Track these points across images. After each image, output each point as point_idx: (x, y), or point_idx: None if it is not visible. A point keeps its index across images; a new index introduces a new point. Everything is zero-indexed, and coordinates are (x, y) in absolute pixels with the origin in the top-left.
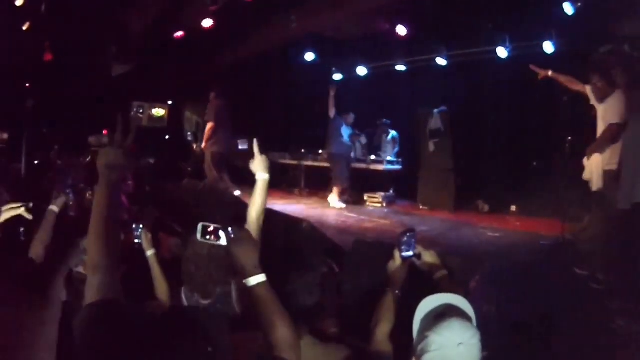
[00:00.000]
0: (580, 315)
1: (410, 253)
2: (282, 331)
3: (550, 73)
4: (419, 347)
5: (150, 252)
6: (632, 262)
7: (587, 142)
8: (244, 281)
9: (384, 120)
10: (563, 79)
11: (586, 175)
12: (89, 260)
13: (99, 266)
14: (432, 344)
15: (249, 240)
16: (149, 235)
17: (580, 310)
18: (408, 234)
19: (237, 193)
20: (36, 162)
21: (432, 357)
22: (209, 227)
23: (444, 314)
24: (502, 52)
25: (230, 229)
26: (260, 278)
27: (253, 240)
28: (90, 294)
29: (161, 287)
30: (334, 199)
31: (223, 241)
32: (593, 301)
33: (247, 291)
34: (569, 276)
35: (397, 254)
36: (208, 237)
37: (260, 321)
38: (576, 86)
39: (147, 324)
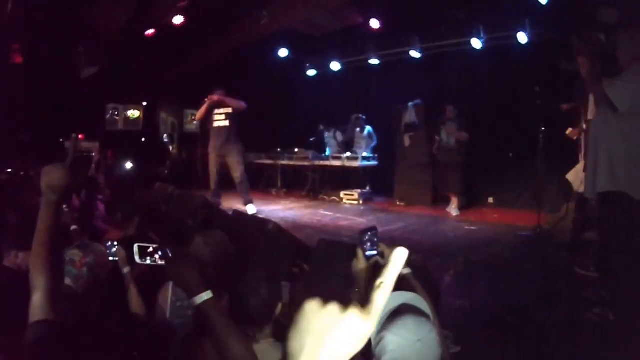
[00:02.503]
0: (556, 306)
1: (374, 252)
2: (235, 352)
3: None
4: (377, 349)
5: (126, 270)
6: (604, 251)
7: (561, 132)
8: (190, 300)
9: (360, 115)
10: None
11: (570, 176)
12: (31, 280)
13: (37, 287)
14: (389, 344)
15: (188, 258)
16: (124, 252)
17: (556, 301)
18: (369, 232)
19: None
20: (9, 170)
21: (391, 357)
22: (147, 247)
23: (396, 312)
24: (476, 43)
25: (167, 249)
26: (205, 296)
27: (191, 258)
28: (33, 314)
29: (137, 305)
30: (453, 208)
31: (161, 262)
32: (568, 291)
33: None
34: (545, 267)
35: (360, 253)
36: (146, 258)
37: (212, 340)
38: None
39: (83, 345)
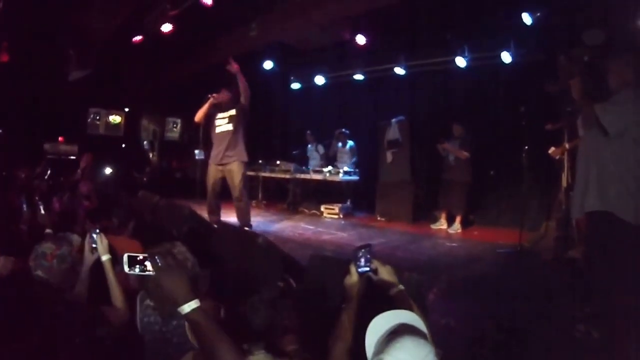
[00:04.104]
0: (541, 323)
1: (367, 268)
2: (222, 356)
3: None
4: None
5: (105, 257)
6: (590, 269)
7: (544, 151)
8: (178, 309)
9: (343, 129)
10: None
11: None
12: None
13: None
14: None
15: (177, 267)
16: (105, 240)
17: (541, 318)
18: (363, 249)
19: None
20: None
21: None
22: (136, 257)
23: (395, 333)
24: (460, 62)
25: (156, 257)
26: (193, 304)
27: (181, 267)
28: None
29: (116, 294)
30: (456, 226)
31: (150, 271)
32: (553, 308)
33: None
34: (528, 284)
35: (353, 269)
36: (135, 267)
37: (201, 349)
38: None
39: None
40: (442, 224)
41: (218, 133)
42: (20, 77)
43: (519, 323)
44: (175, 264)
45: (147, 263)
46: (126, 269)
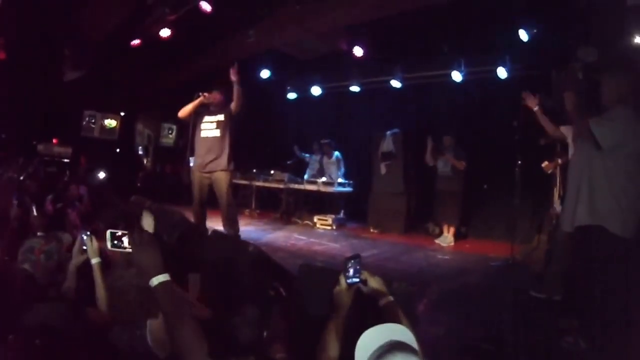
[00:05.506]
0: (530, 335)
1: (356, 279)
2: (184, 332)
3: (536, 109)
4: None
5: (94, 260)
6: (578, 281)
7: (537, 165)
8: (148, 283)
9: (328, 140)
10: (545, 122)
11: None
12: None
13: None
14: None
15: (151, 243)
16: (96, 243)
17: (530, 330)
18: (353, 260)
19: None
20: None
21: None
22: (116, 233)
23: (386, 350)
24: (456, 76)
25: (133, 234)
26: (162, 278)
27: (155, 244)
28: None
29: (102, 296)
30: (447, 238)
31: (127, 247)
32: (542, 321)
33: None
34: (518, 297)
35: (342, 279)
36: (116, 243)
37: (165, 323)
38: (554, 132)
39: None
40: (446, 237)
41: (203, 138)
42: (16, 76)
43: (508, 334)
44: (149, 240)
45: (125, 239)
46: (109, 246)
